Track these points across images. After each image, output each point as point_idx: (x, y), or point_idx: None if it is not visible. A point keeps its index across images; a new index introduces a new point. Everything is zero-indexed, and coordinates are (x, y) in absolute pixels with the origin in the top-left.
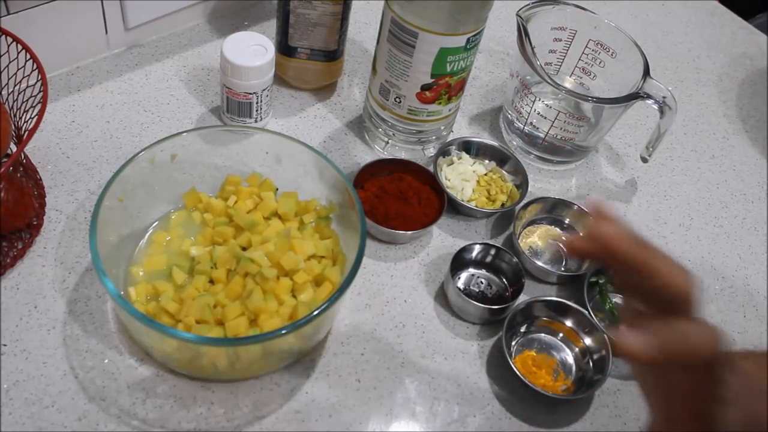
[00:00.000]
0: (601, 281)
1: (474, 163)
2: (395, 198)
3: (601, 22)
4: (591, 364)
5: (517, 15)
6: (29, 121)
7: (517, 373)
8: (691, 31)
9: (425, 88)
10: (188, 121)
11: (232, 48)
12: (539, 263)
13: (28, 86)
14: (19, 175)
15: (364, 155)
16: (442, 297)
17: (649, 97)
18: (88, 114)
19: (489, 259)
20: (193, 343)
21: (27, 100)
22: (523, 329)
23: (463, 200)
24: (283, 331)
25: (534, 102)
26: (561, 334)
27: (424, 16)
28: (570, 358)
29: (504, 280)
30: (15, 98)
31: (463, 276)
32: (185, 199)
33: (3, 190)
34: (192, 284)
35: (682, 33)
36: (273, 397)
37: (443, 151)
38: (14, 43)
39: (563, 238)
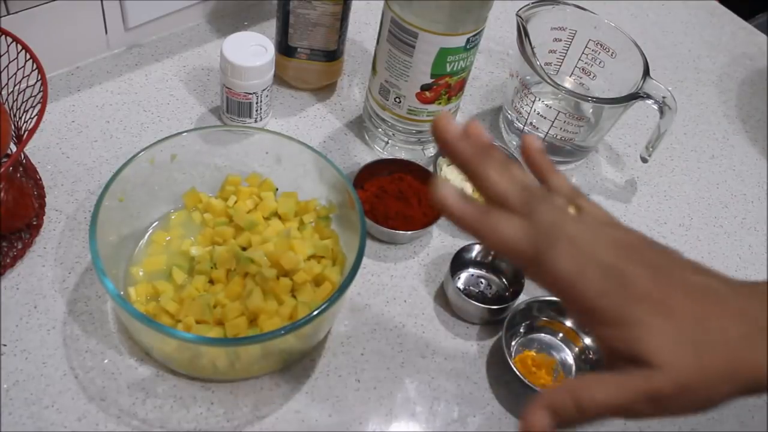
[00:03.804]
0: None
1: None
2: (395, 198)
3: (601, 22)
4: (591, 364)
5: (517, 15)
6: (29, 121)
7: (517, 373)
8: (691, 31)
9: (425, 88)
10: (188, 121)
11: (232, 48)
12: None
13: (28, 86)
14: (19, 175)
15: (364, 155)
16: (442, 297)
17: (649, 97)
18: (88, 114)
19: (489, 259)
20: (193, 343)
21: (27, 100)
22: (523, 329)
23: None
24: (283, 331)
25: (534, 102)
26: (561, 334)
27: (424, 16)
28: (570, 358)
29: (504, 280)
30: (15, 98)
31: (463, 276)
32: (185, 199)
33: (3, 190)
34: (192, 284)
35: (682, 33)
36: (273, 397)
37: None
38: (14, 43)
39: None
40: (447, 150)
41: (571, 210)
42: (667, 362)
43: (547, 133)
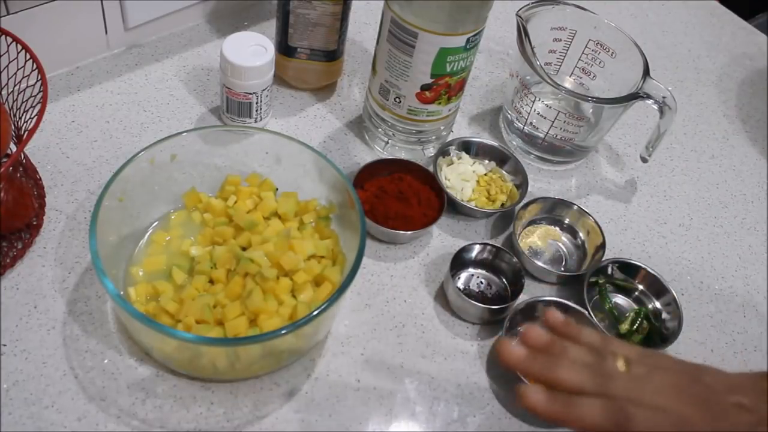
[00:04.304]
0: (600, 281)
1: (474, 163)
2: (395, 198)
3: (601, 22)
4: None
5: (517, 15)
6: (29, 121)
7: (518, 373)
8: (691, 31)
9: (425, 88)
10: (188, 121)
11: (232, 48)
12: (539, 263)
13: (28, 86)
14: (19, 175)
15: (364, 155)
16: (442, 297)
17: (648, 97)
18: (88, 114)
19: (489, 259)
20: (193, 343)
21: (27, 100)
22: (522, 329)
23: (462, 200)
24: (283, 331)
25: (534, 102)
26: None
27: (423, 16)
28: None
29: (504, 280)
30: (15, 98)
31: (463, 276)
32: (185, 199)
33: (3, 190)
34: (192, 284)
35: (682, 33)
36: (273, 397)
37: (443, 151)
38: (14, 43)
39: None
40: (520, 372)
41: (621, 365)
42: None
43: (547, 133)
